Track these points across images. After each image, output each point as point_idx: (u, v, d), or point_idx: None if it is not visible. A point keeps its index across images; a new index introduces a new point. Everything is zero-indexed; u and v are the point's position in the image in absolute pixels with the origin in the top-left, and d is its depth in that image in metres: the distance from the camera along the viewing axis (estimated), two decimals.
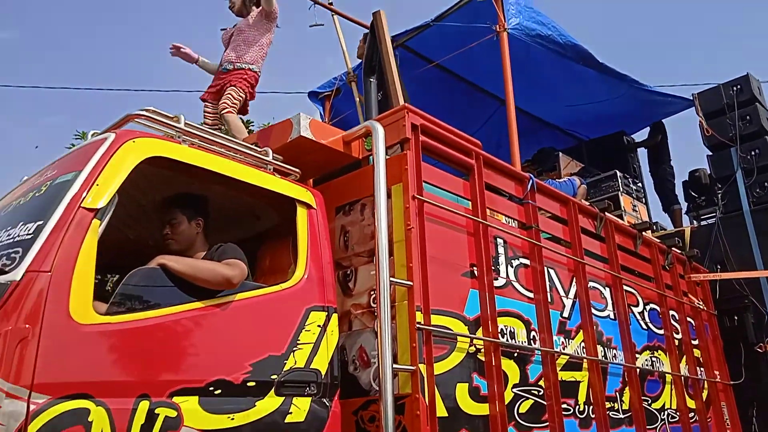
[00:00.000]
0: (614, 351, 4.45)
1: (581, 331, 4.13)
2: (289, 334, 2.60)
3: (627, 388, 4.41)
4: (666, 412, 4.81)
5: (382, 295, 2.81)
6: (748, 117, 6.75)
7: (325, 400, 2.65)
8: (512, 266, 3.77)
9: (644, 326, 4.96)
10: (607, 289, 4.64)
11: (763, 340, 6.09)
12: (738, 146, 6.71)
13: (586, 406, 3.94)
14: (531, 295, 3.81)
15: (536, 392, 3.57)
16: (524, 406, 3.45)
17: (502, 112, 7.26)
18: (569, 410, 3.77)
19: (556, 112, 7.29)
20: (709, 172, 7.20)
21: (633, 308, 4.88)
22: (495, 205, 3.85)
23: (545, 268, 3.98)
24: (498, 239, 3.72)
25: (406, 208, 3.13)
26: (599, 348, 4.22)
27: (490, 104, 7.06)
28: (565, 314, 4.07)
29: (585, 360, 4.05)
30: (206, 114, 4.30)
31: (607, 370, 4.27)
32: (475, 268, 3.45)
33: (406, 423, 2.81)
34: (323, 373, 2.67)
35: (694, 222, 7.26)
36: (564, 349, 3.90)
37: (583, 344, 4.10)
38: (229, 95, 4.19)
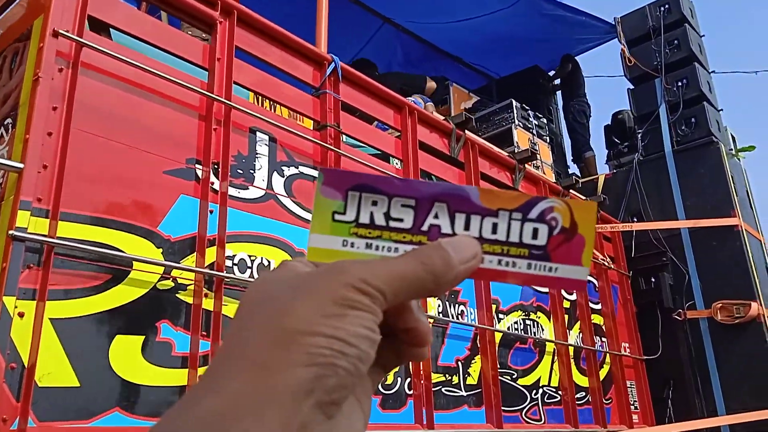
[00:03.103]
0: (462, 307, 3.31)
1: None
2: None
3: (478, 357, 3.28)
4: (541, 391, 3.70)
5: None
6: (675, 41, 5.62)
7: None
8: (282, 174, 2.58)
9: None
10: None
11: (683, 306, 5.02)
12: (663, 76, 5.58)
13: (399, 379, 2.79)
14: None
15: None
16: None
17: (387, 30, 6.11)
18: None
19: (449, 33, 6.05)
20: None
21: None
22: (263, 88, 2.66)
23: None
24: (258, 133, 2.54)
25: (39, 48, 1.92)
26: (433, 301, 3.08)
27: (371, 22, 5.84)
28: None
29: None
30: None
31: (445, 332, 3.13)
32: (198, 167, 2.26)
33: None
34: None
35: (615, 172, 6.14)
36: None
37: None
38: None
